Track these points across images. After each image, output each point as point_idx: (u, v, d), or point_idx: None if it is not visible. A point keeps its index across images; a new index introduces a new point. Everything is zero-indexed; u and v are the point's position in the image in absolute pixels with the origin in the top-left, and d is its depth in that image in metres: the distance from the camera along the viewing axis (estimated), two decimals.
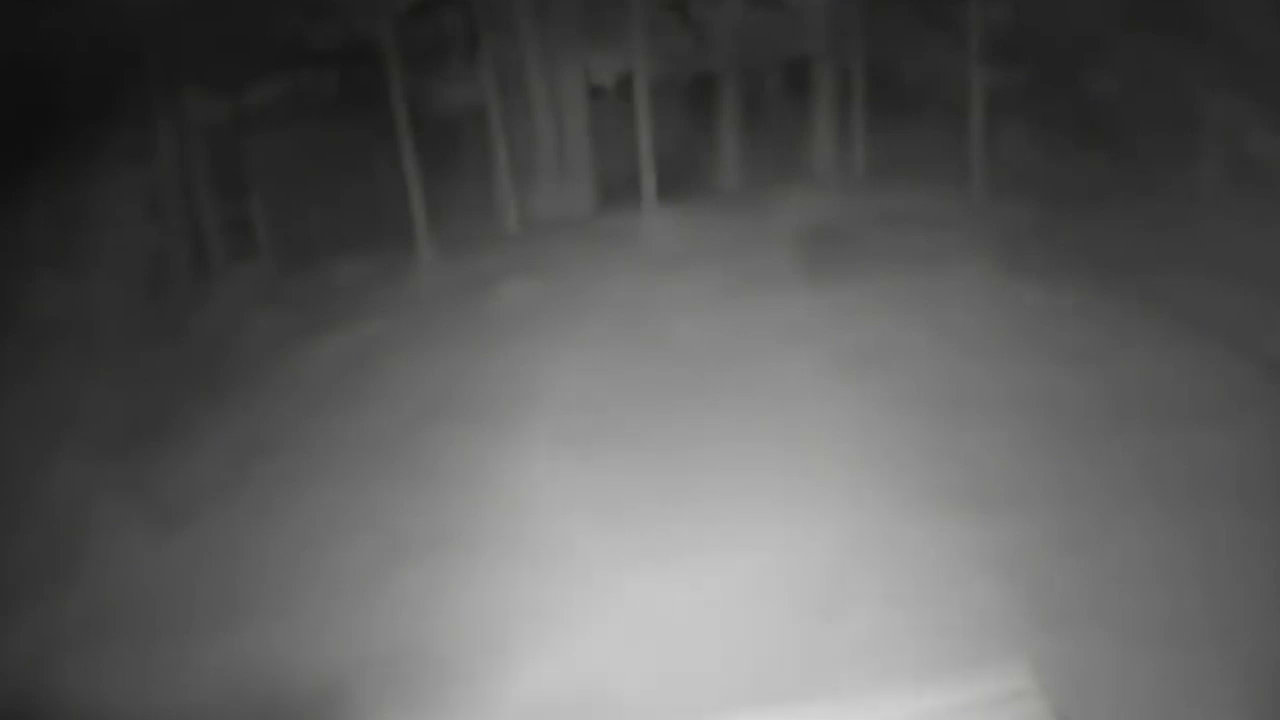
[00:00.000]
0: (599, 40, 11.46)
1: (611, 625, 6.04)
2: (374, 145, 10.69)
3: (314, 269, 10.46)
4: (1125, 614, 5.76)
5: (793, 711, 5.01)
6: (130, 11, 9.58)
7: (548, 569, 6.49)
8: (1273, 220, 8.59)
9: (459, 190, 11.05)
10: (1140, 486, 6.68)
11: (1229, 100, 10.01)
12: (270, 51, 10.53)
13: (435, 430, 7.88)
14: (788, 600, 6.09)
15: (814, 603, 6.04)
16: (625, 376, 8.39)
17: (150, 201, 10.41)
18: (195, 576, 6.76)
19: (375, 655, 5.97)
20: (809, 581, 6.19)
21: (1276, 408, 7.25)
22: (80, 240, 9.61)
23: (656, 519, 6.80)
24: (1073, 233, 9.77)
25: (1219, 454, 6.86)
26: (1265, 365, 7.62)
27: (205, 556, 6.91)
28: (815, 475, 7.02)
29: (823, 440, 7.37)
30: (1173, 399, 7.51)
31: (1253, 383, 7.51)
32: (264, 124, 10.73)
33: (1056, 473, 6.88)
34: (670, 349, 8.74)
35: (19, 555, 6.86)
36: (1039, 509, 6.54)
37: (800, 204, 10.93)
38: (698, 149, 11.77)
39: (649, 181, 11.09)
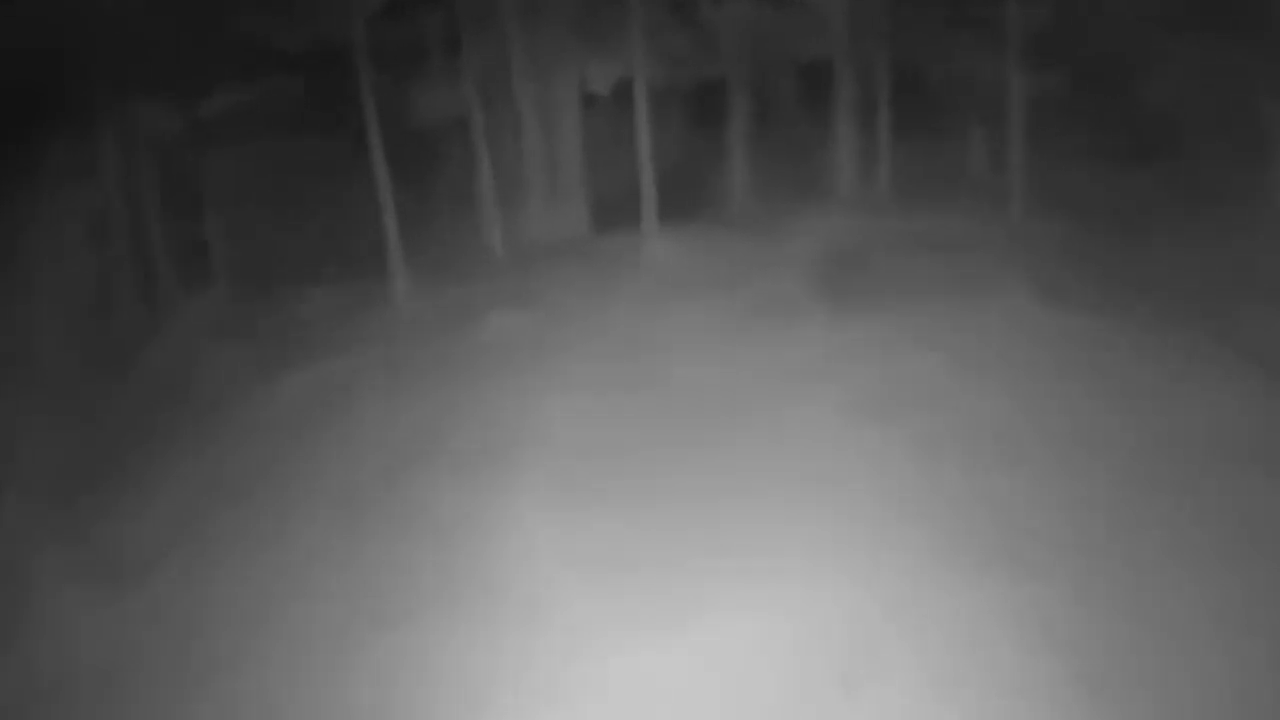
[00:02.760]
0: (594, 43, 11.61)
1: (606, 697, 6.10)
2: (344, 160, 10.82)
3: (277, 298, 10.61)
4: (1176, 683, 5.82)
5: None
6: (72, 10, 9.75)
7: (536, 633, 6.55)
8: None
9: (439, 211, 11.23)
10: (1196, 541, 6.73)
11: None
12: (229, 55, 10.68)
13: (412, 479, 7.98)
14: (801, 670, 6.14)
15: (831, 673, 6.09)
16: (624, 420, 8.49)
17: (94, 223, 10.54)
18: (147, 641, 6.82)
19: None
20: (826, 648, 6.24)
21: None
22: (17, 266, 9.76)
23: (657, 578, 6.86)
24: (1122, 257, 9.90)
25: None
26: None
27: (158, 619, 6.98)
28: (833, 529, 7.09)
29: (842, 490, 7.44)
30: (1234, 444, 7.53)
31: None
32: (221, 136, 10.89)
33: (1102, 526, 6.95)
34: (674, 389, 8.85)
35: None
36: (1082, 566, 6.61)
37: (818, 225, 11.09)
38: (704, 164, 11.92)
39: (650, 201, 11.23)
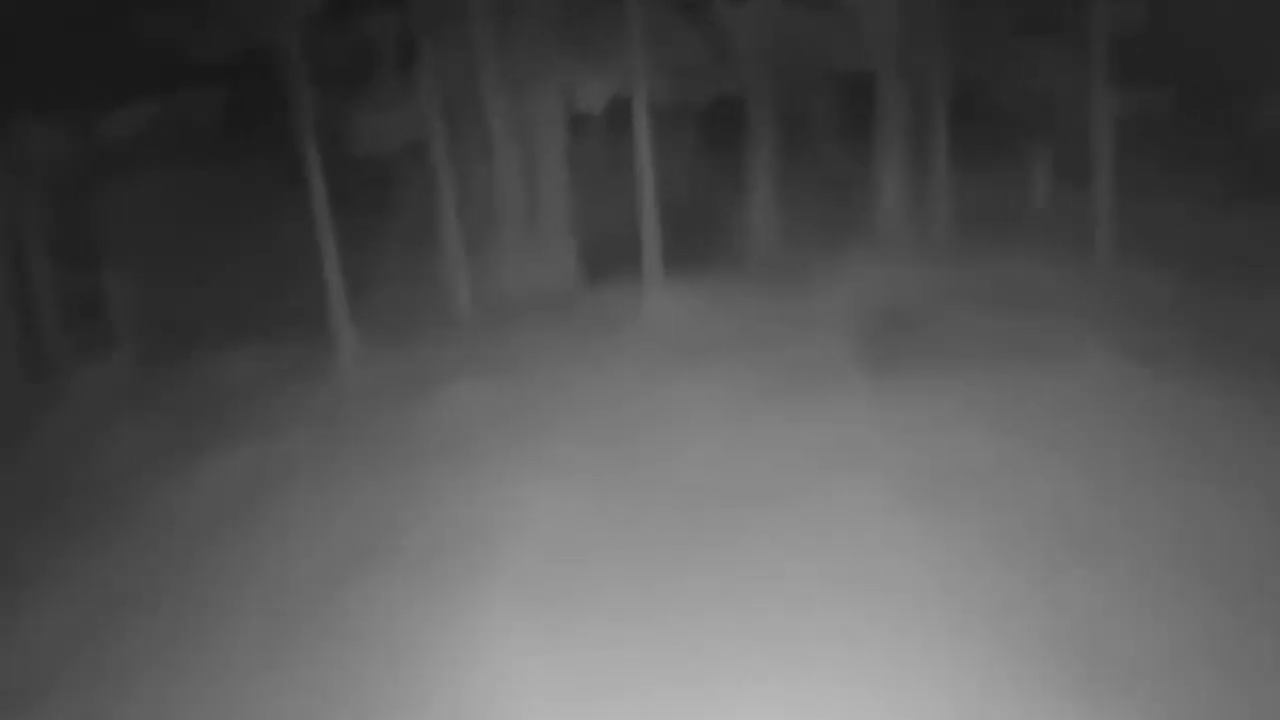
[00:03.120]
0: (584, 50, 11.74)
1: None
2: (275, 194, 11.06)
3: (193, 365, 10.80)
4: None
5: None
6: None
7: None
8: None
9: (391, 256, 11.40)
10: None
11: None
12: (134, 65, 10.85)
13: (357, 585, 8.07)
14: None
15: None
16: (616, 514, 8.56)
17: None
18: None
19: None
20: None
21: None
22: None
23: (649, 709, 6.87)
24: (1227, 313, 10.08)
25: None
26: None
27: None
28: (878, 648, 7.12)
29: (888, 599, 7.47)
30: None
31: None
32: (124, 163, 11.05)
33: (1201, 637, 6.98)
34: (679, 477, 8.95)
35: None
36: (1177, 689, 6.64)
37: (859, 276, 11.30)
38: (719, 199, 12.09)
39: (653, 245, 11.40)
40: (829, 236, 11.98)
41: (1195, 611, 7.26)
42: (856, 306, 10.88)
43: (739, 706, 6.85)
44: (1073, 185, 11.45)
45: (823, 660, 7.12)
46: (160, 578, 8.36)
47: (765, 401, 9.80)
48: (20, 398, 10.49)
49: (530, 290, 11.68)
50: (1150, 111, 11.31)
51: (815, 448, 9.12)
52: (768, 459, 9.07)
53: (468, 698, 7.16)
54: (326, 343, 11.00)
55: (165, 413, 10.21)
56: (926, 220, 12.09)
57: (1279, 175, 10.63)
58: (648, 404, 9.89)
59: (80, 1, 10.54)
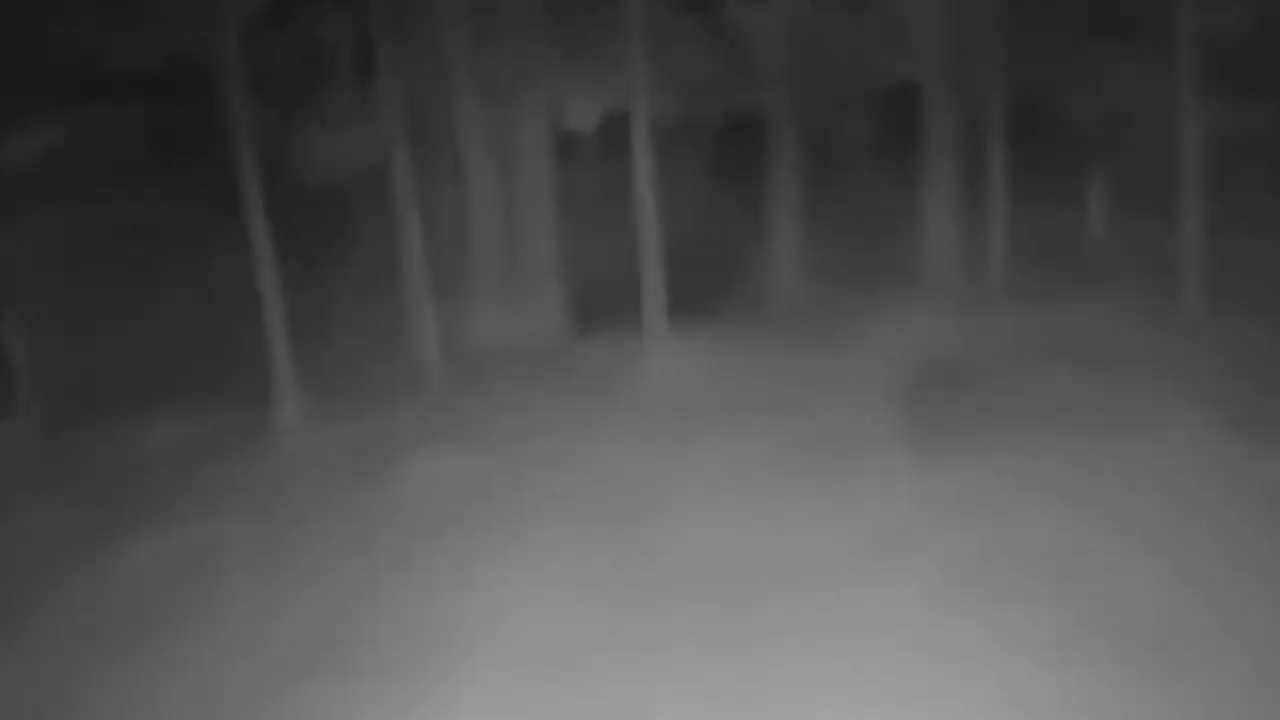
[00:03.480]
0: (574, 58, 11.92)
1: None
2: (207, 230, 11.16)
3: (108, 433, 10.84)
4: None
5: None
6: None
7: None
8: None
9: (344, 304, 11.55)
10: None
11: None
12: (37, 77, 11.01)
13: (304, 692, 8.06)
14: None
15: None
16: (606, 613, 8.61)
17: None
18: None
19: None
20: None
21: None
22: None
23: None
24: None
25: None
26: None
27: None
28: None
29: (935, 711, 7.46)
30: None
31: None
32: (26, 194, 11.12)
33: None
34: (684, 567, 9.02)
35: None
36: None
37: (900, 326, 11.44)
38: (734, 236, 12.22)
39: (655, 291, 11.53)
40: (864, 280, 12.07)
41: None
42: (897, 363, 11.00)
43: None
44: (1154, 217, 11.54)
45: None
46: (65, 692, 8.30)
47: (788, 478, 9.89)
48: None
49: (509, 344, 11.74)
50: (1247, 130, 11.39)
51: (849, 533, 9.17)
52: (792, 546, 9.11)
53: None
54: (267, 407, 11.05)
55: (73, 490, 10.23)
56: (979, 260, 12.18)
57: None
58: (648, 480, 9.96)
59: None
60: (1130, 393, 10.32)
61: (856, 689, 7.69)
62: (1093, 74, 11.89)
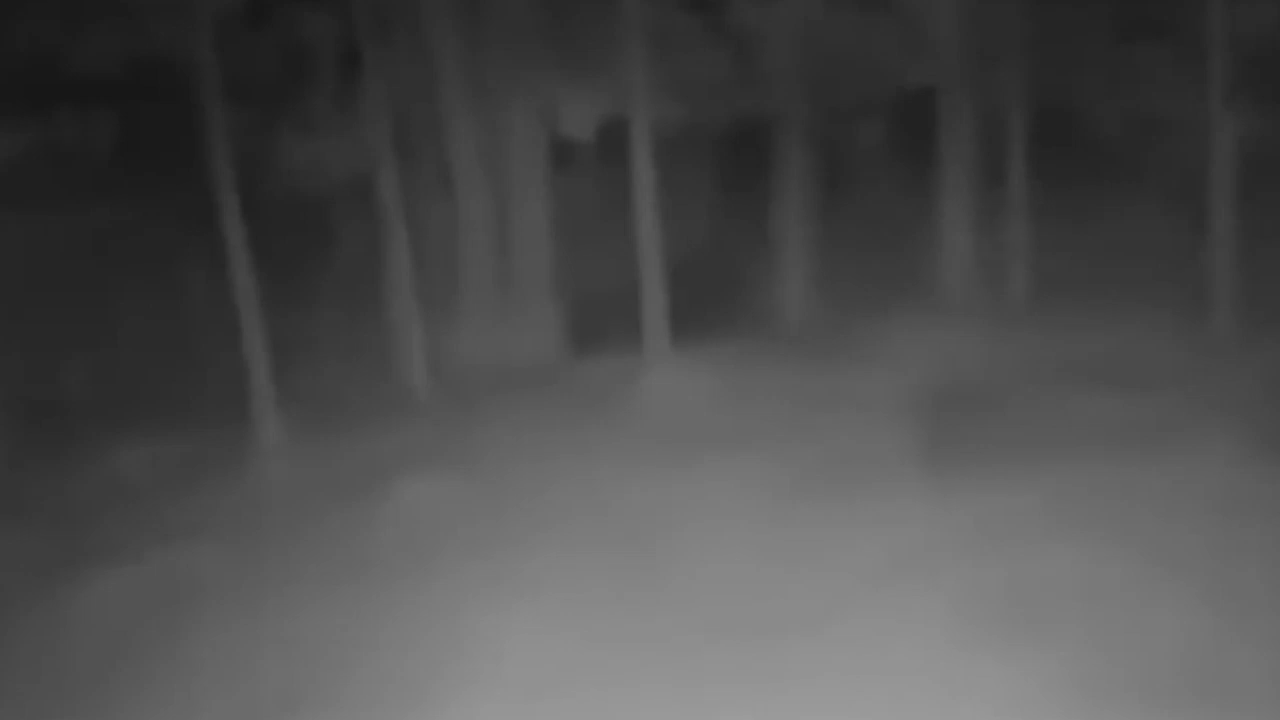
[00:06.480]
0: (570, 61, 11.83)
1: None
2: (181, 244, 11.08)
3: (77, 461, 10.74)
4: None
5: None
6: None
7: None
8: None
9: (327, 323, 11.41)
10: None
11: None
12: (2, 79, 10.92)
13: None
14: None
15: None
16: (605, 647, 8.46)
17: None
18: None
19: None
20: None
21: None
22: None
23: None
24: None
25: None
26: None
27: None
28: None
29: None
30: None
31: None
32: None
33: None
34: (688, 599, 8.89)
35: None
36: None
37: (917, 346, 11.31)
38: (741, 250, 12.11)
39: (656, 307, 11.42)
40: (876, 296, 11.98)
41: None
42: (911, 384, 10.89)
43: None
44: (1186, 231, 11.40)
45: None
46: None
47: (798, 505, 9.76)
48: None
49: (501, 363, 11.70)
50: (1277, 139, 11.29)
51: (863, 563, 9.03)
52: (802, 577, 8.99)
53: None
54: (245, 430, 10.96)
55: (41, 521, 10.16)
56: (1001, 276, 12.07)
57: None
58: (647, 507, 9.85)
59: None
60: (1158, 416, 10.19)
61: None
62: (1119, 80, 11.71)
